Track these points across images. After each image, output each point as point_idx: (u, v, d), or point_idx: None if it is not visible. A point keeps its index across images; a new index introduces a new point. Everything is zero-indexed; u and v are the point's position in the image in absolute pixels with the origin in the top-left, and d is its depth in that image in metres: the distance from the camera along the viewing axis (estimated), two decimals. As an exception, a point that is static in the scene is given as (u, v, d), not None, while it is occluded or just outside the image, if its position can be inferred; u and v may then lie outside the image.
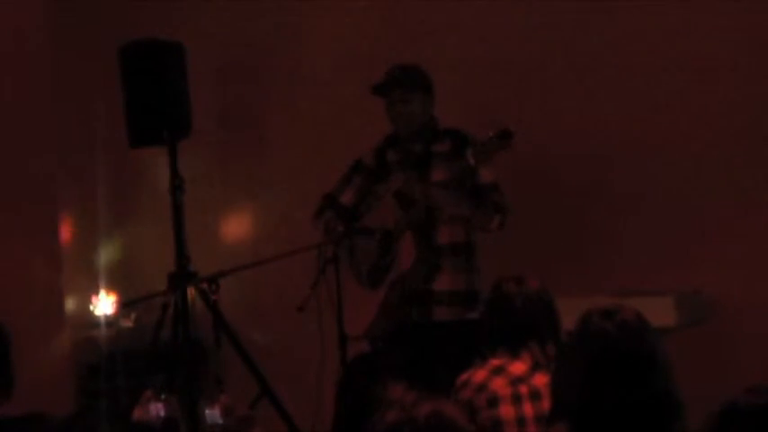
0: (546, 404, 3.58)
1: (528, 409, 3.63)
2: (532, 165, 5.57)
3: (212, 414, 4.88)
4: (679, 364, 2.81)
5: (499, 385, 3.65)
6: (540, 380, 3.63)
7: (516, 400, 3.64)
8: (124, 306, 6.51)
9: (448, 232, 5.08)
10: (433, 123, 5.20)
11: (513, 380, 3.66)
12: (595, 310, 2.83)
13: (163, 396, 4.85)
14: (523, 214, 5.21)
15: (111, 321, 6.59)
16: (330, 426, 3.54)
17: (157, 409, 4.90)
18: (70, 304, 6.63)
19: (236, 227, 6.64)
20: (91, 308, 6.65)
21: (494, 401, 3.64)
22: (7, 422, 3.21)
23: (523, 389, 3.64)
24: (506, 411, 3.63)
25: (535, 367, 3.67)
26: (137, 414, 5.01)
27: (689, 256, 5.36)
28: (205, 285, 5.35)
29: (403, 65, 5.19)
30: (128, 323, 6.62)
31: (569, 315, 2.96)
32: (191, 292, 5.56)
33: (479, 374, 3.70)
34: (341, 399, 3.48)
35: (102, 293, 6.67)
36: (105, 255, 6.83)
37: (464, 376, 3.74)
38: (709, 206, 5.36)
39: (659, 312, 4.14)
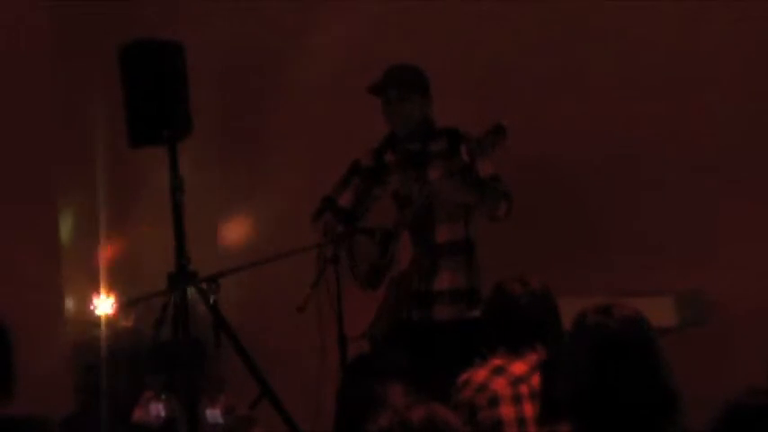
0: (546, 404, 3.59)
1: (528, 409, 3.63)
2: (532, 164, 5.56)
3: (213, 414, 4.89)
4: (679, 364, 2.82)
5: (500, 385, 3.65)
6: (541, 380, 3.64)
7: (516, 400, 3.64)
8: (124, 306, 6.50)
9: (446, 230, 5.08)
10: (430, 123, 5.21)
11: (514, 380, 3.66)
12: (590, 309, 2.85)
13: (163, 396, 4.86)
14: (523, 214, 5.20)
15: (111, 321, 6.58)
16: (330, 426, 3.53)
17: (157, 409, 4.91)
18: (70, 304, 6.62)
19: (236, 227, 6.63)
20: (91, 308, 6.64)
21: (494, 401, 3.64)
22: (7, 422, 3.21)
23: (524, 389, 3.65)
24: (506, 411, 3.63)
25: (537, 368, 3.67)
26: (137, 414, 5.02)
27: (689, 256, 5.35)
28: (205, 285, 5.35)
29: (400, 65, 5.20)
30: (128, 323, 6.62)
31: (569, 315, 2.96)
32: (191, 292, 5.56)
33: (480, 374, 3.71)
34: (341, 399, 3.47)
35: (103, 293, 6.67)
36: (105, 254, 6.83)
37: (465, 376, 3.75)
38: (709, 206, 5.35)
39: (659, 312, 4.14)
